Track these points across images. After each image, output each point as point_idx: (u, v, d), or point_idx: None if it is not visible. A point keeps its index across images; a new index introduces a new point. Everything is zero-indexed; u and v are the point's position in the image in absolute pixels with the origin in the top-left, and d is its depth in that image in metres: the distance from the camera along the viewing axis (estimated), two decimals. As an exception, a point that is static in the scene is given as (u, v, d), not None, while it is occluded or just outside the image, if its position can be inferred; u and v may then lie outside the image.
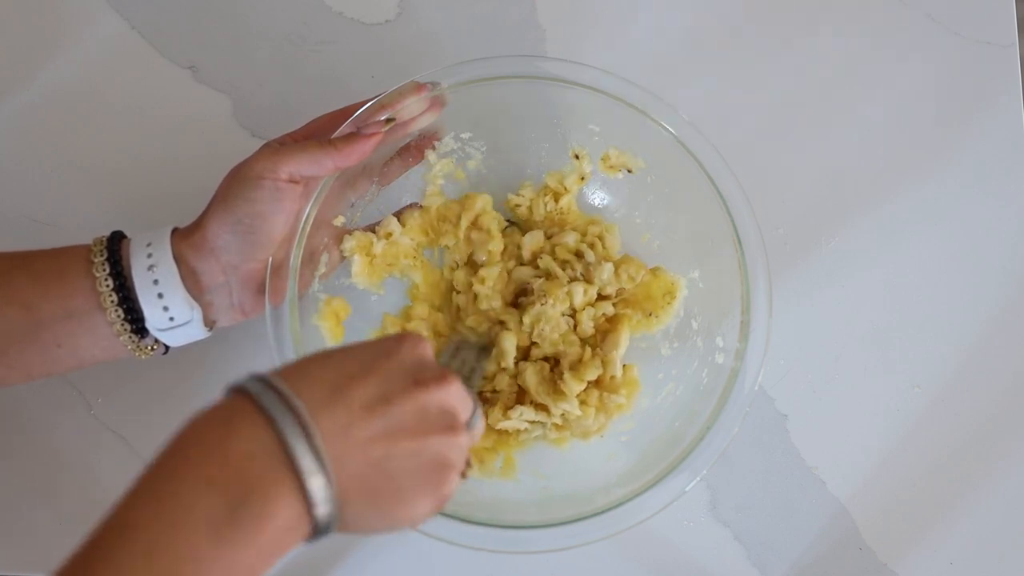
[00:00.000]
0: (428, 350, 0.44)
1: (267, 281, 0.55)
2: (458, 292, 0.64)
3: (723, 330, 0.58)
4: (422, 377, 0.42)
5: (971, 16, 0.72)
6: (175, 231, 0.54)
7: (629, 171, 0.64)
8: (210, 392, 0.67)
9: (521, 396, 0.62)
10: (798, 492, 0.65)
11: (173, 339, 0.55)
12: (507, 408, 0.61)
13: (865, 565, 0.64)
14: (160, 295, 0.52)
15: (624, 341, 0.61)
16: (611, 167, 0.64)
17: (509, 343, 0.61)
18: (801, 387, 0.66)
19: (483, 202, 0.64)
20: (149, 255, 0.52)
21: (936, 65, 0.72)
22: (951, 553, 0.64)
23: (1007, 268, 0.69)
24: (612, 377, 0.61)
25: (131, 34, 0.69)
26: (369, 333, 0.63)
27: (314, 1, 0.71)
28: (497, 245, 0.64)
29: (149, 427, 0.64)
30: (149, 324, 0.53)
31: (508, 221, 0.66)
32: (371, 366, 0.41)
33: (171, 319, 0.53)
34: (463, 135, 0.63)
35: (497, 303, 0.62)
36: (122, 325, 0.52)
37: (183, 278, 0.53)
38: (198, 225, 0.54)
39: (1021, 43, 0.76)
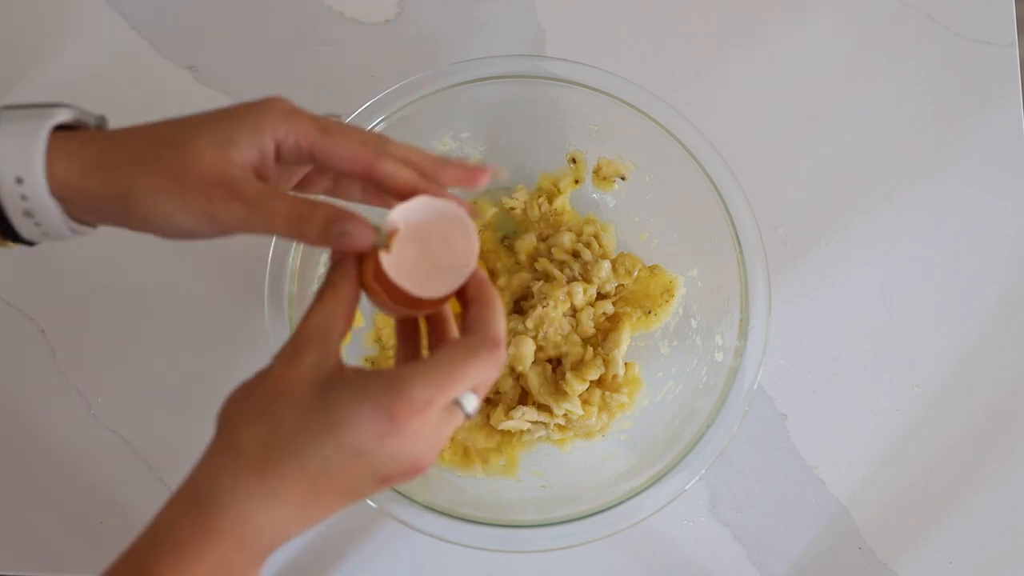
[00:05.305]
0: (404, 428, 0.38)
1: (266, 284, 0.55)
2: None
3: (722, 328, 0.58)
4: (390, 473, 0.39)
5: (971, 16, 0.72)
6: (60, 141, 0.39)
7: (623, 178, 0.64)
8: (211, 391, 0.67)
9: (523, 397, 0.62)
10: (798, 492, 0.65)
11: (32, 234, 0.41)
12: (509, 409, 0.61)
13: (865, 565, 0.64)
14: (36, 223, 0.40)
15: (625, 339, 0.62)
16: (604, 179, 0.64)
17: (527, 348, 0.61)
18: (801, 387, 0.66)
19: (492, 213, 0.64)
20: (23, 197, 0.39)
21: (936, 65, 0.72)
22: (951, 553, 0.64)
23: (1007, 268, 0.68)
24: (614, 376, 0.61)
25: (131, 34, 0.69)
26: (365, 332, 0.63)
27: (314, 1, 0.71)
28: (503, 262, 0.65)
29: (149, 427, 0.64)
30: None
31: (501, 237, 0.66)
32: (337, 471, 0.38)
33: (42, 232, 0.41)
34: (462, 135, 0.63)
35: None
36: None
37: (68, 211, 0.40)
38: (118, 178, 0.39)
39: (1021, 43, 0.76)
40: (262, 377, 0.40)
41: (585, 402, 0.61)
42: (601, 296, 0.63)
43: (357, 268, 0.41)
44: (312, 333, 0.40)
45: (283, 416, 0.38)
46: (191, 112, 0.41)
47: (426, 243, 0.40)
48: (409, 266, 0.40)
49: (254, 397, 0.39)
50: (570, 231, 0.64)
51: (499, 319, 0.41)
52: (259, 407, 0.39)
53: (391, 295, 0.41)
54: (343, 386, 0.38)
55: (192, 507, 0.38)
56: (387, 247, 0.40)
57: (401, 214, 0.40)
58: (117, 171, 0.39)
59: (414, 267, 0.40)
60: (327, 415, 0.38)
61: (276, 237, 0.50)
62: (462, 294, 0.42)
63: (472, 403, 0.40)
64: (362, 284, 0.41)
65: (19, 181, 0.38)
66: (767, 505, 0.64)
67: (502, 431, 0.62)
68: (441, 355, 0.39)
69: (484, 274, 0.42)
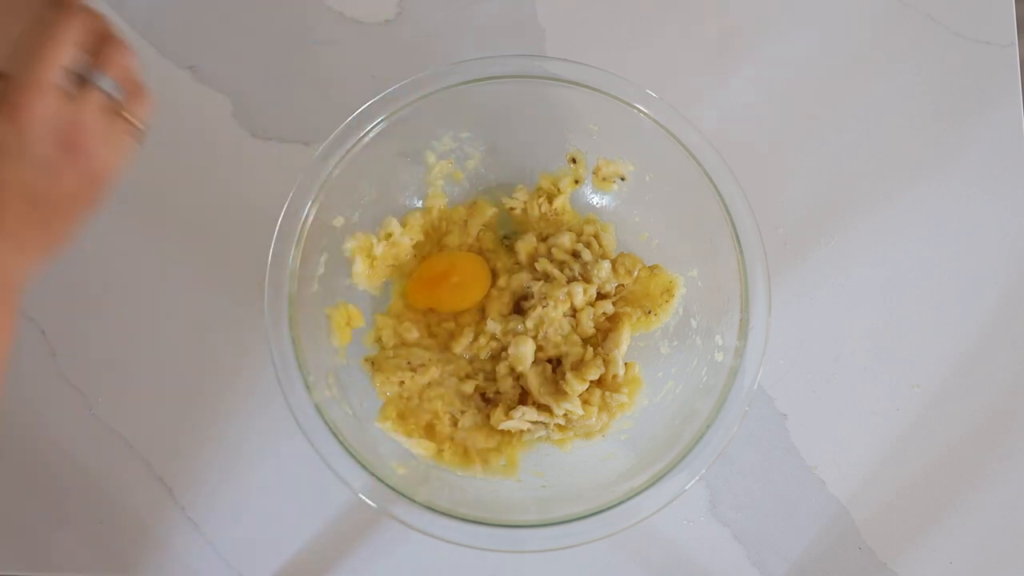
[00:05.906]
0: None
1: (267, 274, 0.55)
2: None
3: (722, 328, 0.58)
4: (53, 163, 0.43)
5: (971, 16, 0.72)
6: None
7: (622, 179, 0.64)
8: (212, 391, 0.67)
9: (523, 397, 0.62)
10: (798, 492, 0.65)
11: None
12: (509, 409, 0.61)
13: (865, 565, 0.64)
14: None
15: (625, 339, 0.62)
16: (604, 179, 0.64)
17: (527, 347, 0.61)
18: (801, 387, 0.66)
19: (492, 213, 0.64)
20: None
21: (936, 65, 0.72)
22: (951, 553, 0.64)
23: (1007, 268, 0.68)
24: (614, 376, 0.61)
25: (131, 34, 0.69)
26: (364, 332, 0.63)
27: (314, 1, 0.71)
28: (504, 262, 0.65)
29: (149, 427, 0.64)
30: None
31: (502, 236, 0.66)
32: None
33: None
34: (462, 135, 0.63)
35: (498, 327, 0.62)
36: None
37: None
38: None
39: (1021, 43, 0.76)
40: None
41: (585, 402, 0.61)
42: (601, 296, 0.63)
43: None
44: None
45: None
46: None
47: None
48: None
49: None
50: (570, 231, 0.64)
51: None
52: None
53: None
54: None
55: None
56: None
57: None
58: None
59: None
60: None
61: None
62: None
63: (104, 80, 0.44)
64: None
65: None
66: (767, 505, 0.64)
67: (502, 431, 0.62)
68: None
69: None
